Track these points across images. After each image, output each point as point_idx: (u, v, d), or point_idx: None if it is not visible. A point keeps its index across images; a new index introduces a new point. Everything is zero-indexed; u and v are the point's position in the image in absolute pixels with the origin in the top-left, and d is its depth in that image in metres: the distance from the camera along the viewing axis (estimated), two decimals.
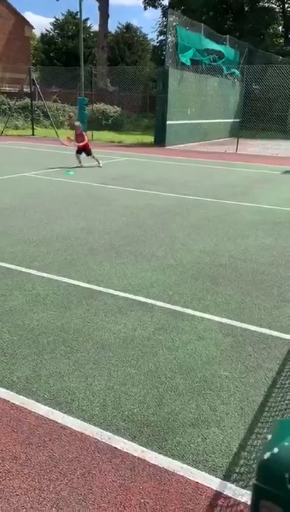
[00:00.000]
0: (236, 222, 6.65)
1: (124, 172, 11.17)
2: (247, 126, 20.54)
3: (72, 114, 25.40)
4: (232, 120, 22.81)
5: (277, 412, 2.55)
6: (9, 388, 2.65)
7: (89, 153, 11.55)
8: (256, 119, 20.36)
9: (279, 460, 0.69)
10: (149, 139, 19.33)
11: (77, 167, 11.24)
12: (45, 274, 4.38)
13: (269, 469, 0.69)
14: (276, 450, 0.70)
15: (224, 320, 3.59)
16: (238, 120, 19.99)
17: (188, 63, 18.27)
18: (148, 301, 3.87)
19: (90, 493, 1.97)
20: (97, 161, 11.65)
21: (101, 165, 11.61)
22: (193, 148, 18.14)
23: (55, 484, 2.01)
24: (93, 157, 11.60)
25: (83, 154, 11.53)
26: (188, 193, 8.73)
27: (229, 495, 1.98)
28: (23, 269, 4.49)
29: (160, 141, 17.88)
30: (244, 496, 1.96)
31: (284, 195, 8.91)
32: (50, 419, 2.41)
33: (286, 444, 0.70)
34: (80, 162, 11.44)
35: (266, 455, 0.71)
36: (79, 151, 11.49)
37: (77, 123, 12.14)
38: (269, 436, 0.75)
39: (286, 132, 21.64)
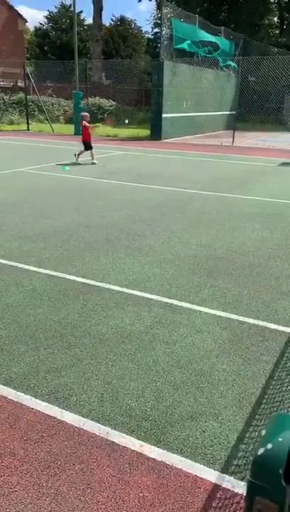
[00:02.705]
0: (233, 215, 6.64)
1: (120, 166, 11.12)
2: (243, 118, 20.46)
3: (67, 108, 25.26)
4: (228, 112, 22.72)
5: (274, 404, 2.55)
6: (7, 384, 2.65)
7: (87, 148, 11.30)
8: (252, 111, 20.28)
9: (273, 456, 0.68)
10: (145, 132, 19.24)
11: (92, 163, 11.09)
12: (41, 270, 4.37)
13: (262, 465, 0.69)
14: (269, 446, 0.70)
15: (221, 313, 3.59)
16: (234, 112, 19.91)
17: (187, 48, 18.14)
18: (146, 295, 3.87)
19: (89, 488, 1.97)
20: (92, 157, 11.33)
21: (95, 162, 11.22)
22: (189, 141, 18.07)
23: (53, 480, 2.01)
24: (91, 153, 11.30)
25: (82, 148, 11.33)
26: (184, 186, 8.71)
27: (228, 487, 1.99)
28: (20, 265, 4.48)
29: (156, 134, 17.80)
30: (242, 488, 1.97)
31: (281, 188, 8.90)
32: (48, 415, 2.41)
33: (280, 439, 0.70)
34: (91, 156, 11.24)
35: (260, 451, 0.71)
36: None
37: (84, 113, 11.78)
38: (264, 432, 0.75)
39: (282, 124, 21.58)
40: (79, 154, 11.22)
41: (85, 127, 11.23)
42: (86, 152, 11.22)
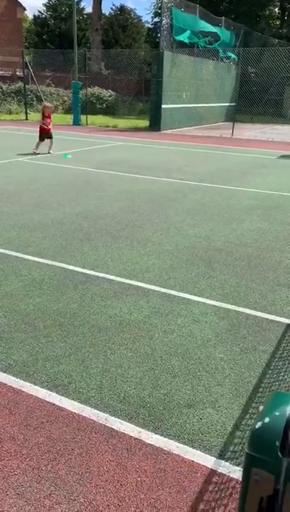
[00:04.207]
0: (231, 207, 6.66)
1: (118, 157, 11.10)
2: (243, 110, 20.42)
3: (66, 98, 25.10)
4: (227, 104, 22.63)
5: (270, 393, 2.59)
6: (6, 371, 2.68)
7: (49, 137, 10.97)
8: (252, 103, 20.21)
9: (270, 429, 0.72)
10: (144, 123, 19.17)
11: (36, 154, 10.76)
12: (40, 260, 4.39)
13: (260, 438, 0.72)
14: (267, 420, 0.73)
15: (219, 303, 3.62)
16: (234, 104, 19.83)
17: (187, 40, 18.05)
18: (144, 285, 3.89)
19: (88, 472, 2.01)
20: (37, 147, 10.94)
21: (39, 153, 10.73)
22: (189, 132, 18.01)
23: (52, 464, 2.05)
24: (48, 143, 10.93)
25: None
26: (183, 177, 8.71)
27: (224, 472, 2.03)
28: (19, 255, 4.49)
29: (155, 125, 17.74)
30: (237, 473, 2.01)
31: (280, 180, 8.90)
32: (47, 402, 2.44)
33: (277, 413, 0.73)
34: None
35: (258, 424, 0.74)
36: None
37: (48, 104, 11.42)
38: (261, 408, 0.78)
39: (281, 116, 21.53)
40: (37, 147, 10.86)
41: (49, 119, 10.87)
42: (45, 142, 10.84)
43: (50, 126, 11.01)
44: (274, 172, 9.86)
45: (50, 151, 10.92)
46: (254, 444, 0.74)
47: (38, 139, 10.94)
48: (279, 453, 0.71)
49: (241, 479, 0.77)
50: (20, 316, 3.31)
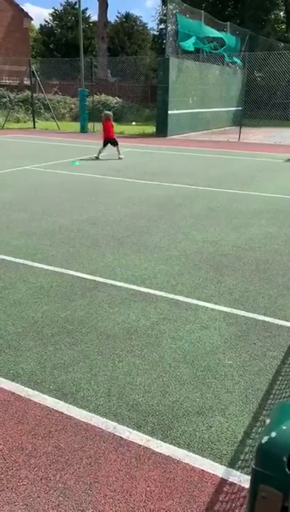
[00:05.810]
0: (239, 212, 6.62)
1: (126, 163, 11.12)
2: (250, 114, 20.35)
3: (73, 106, 25.24)
4: (234, 108, 22.62)
5: (281, 400, 2.55)
6: (14, 380, 2.67)
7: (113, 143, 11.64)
8: (258, 107, 20.17)
9: (277, 444, 0.69)
10: (151, 129, 19.20)
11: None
12: (48, 267, 4.39)
13: (267, 453, 0.70)
14: (274, 434, 0.71)
15: (228, 309, 3.58)
16: (240, 108, 19.80)
17: (192, 48, 18.11)
18: (152, 291, 3.87)
19: (96, 482, 1.98)
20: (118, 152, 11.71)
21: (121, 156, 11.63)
22: (195, 137, 18.02)
23: (61, 474, 2.03)
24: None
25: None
26: (190, 182, 8.69)
27: (235, 481, 1.99)
28: (27, 262, 4.50)
29: (161, 131, 17.77)
30: (248, 483, 1.97)
31: (287, 184, 8.85)
32: (55, 410, 2.42)
33: (284, 427, 0.71)
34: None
35: (264, 439, 0.72)
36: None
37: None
38: (268, 421, 0.76)
39: (288, 119, 21.43)
40: (100, 152, 11.53)
41: (111, 125, 11.49)
42: (105, 149, 11.55)
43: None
44: (281, 176, 9.81)
45: (121, 156, 11.57)
46: (260, 460, 0.71)
47: (102, 146, 11.52)
48: (287, 469, 0.68)
49: (248, 496, 0.74)
50: (28, 324, 3.30)
